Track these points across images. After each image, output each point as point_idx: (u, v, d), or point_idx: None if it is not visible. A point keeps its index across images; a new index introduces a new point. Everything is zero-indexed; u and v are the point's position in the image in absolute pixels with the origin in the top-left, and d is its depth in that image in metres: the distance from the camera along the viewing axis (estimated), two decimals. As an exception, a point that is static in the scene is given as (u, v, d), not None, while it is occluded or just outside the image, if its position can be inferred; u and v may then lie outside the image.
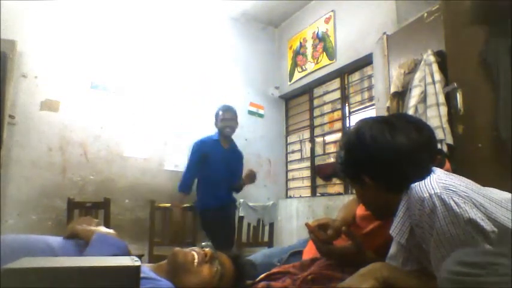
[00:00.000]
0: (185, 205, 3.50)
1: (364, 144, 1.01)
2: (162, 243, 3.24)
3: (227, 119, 3.38)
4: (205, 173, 3.36)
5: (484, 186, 0.93)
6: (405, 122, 1.03)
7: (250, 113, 4.70)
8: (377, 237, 1.25)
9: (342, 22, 4.00)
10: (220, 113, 3.43)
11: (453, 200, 0.81)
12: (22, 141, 3.44)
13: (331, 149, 4.20)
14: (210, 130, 4.36)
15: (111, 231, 1.19)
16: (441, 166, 1.10)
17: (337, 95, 4.18)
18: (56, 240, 1.11)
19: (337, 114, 4.18)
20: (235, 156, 3.50)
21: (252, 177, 3.37)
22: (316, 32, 4.36)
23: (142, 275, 0.78)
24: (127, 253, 1.10)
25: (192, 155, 3.44)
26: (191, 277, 1.13)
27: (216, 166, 3.32)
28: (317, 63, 4.31)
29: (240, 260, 1.27)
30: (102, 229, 1.19)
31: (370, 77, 3.72)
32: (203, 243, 1.27)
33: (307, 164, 4.48)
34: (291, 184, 4.73)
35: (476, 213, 0.80)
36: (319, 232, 1.26)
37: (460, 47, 2.17)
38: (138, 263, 0.73)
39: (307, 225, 1.27)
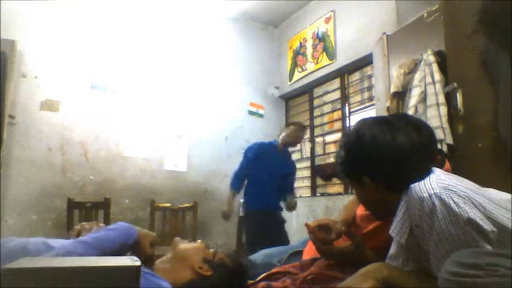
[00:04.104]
0: (186, 205, 3.51)
1: (364, 144, 1.01)
2: (162, 243, 3.23)
3: (300, 136, 3.33)
4: (255, 174, 3.24)
5: (484, 186, 0.93)
6: (405, 122, 1.02)
7: (250, 113, 4.70)
8: (377, 237, 1.25)
9: (342, 22, 4.00)
10: (297, 129, 3.30)
11: (453, 200, 0.81)
12: (22, 141, 3.44)
13: (331, 149, 4.20)
14: (210, 130, 4.37)
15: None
16: (441, 166, 1.09)
17: (337, 95, 4.18)
18: (56, 242, 1.10)
19: (337, 114, 4.18)
20: (287, 161, 3.36)
21: (291, 206, 3.26)
22: (316, 32, 4.36)
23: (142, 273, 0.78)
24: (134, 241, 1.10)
25: (245, 154, 3.35)
26: (189, 274, 1.13)
27: (266, 168, 3.20)
28: (317, 63, 4.31)
29: (240, 260, 1.27)
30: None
31: (370, 77, 3.72)
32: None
33: (307, 164, 4.48)
34: (291, 184, 4.73)
35: (476, 213, 0.80)
36: (319, 232, 1.25)
37: (460, 47, 2.17)
38: (138, 263, 0.73)
39: (307, 225, 1.27)
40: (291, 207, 3.26)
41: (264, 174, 3.19)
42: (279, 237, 3.07)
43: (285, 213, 3.72)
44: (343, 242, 1.25)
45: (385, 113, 2.86)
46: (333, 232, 1.26)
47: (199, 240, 1.29)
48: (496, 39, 0.63)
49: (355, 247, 1.19)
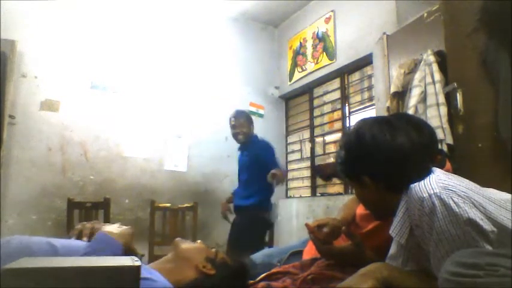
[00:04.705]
0: (186, 205, 3.51)
1: (364, 144, 1.01)
2: (162, 243, 3.24)
3: (235, 125, 3.14)
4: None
5: (484, 186, 0.93)
6: (405, 121, 1.03)
7: (250, 113, 4.67)
8: (377, 237, 1.25)
9: (342, 22, 4.00)
10: (231, 119, 3.18)
11: (452, 200, 0.81)
12: (22, 141, 3.44)
13: (331, 149, 4.20)
14: (210, 130, 4.38)
15: (114, 228, 1.17)
16: (442, 166, 1.09)
17: (337, 95, 4.18)
18: (58, 241, 1.11)
19: (337, 114, 4.18)
20: (249, 158, 3.12)
21: (276, 178, 2.86)
22: (316, 32, 4.36)
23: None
24: (122, 254, 1.08)
25: None
26: (193, 274, 1.13)
27: (238, 172, 3.29)
28: (317, 63, 4.31)
29: (241, 260, 1.27)
30: (107, 227, 1.17)
31: (370, 77, 3.72)
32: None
33: (307, 164, 4.48)
34: (291, 184, 4.73)
35: (476, 213, 0.80)
36: (319, 232, 1.25)
37: (460, 47, 2.17)
38: (138, 263, 0.73)
39: (307, 225, 1.27)
40: (276, 181, 2.85)
41: (238, 176, 3.26)
42: (246, 237, 2.86)
43: (286, 214, 3.74)
44: (343, 242, 1.25)
45: (385, 113, 2.86)
46: (326, 227, 1.26)
47: (199, 241, 1.30)
48: (496, 38, 0.63)
49: (355, 247, 1.19)
